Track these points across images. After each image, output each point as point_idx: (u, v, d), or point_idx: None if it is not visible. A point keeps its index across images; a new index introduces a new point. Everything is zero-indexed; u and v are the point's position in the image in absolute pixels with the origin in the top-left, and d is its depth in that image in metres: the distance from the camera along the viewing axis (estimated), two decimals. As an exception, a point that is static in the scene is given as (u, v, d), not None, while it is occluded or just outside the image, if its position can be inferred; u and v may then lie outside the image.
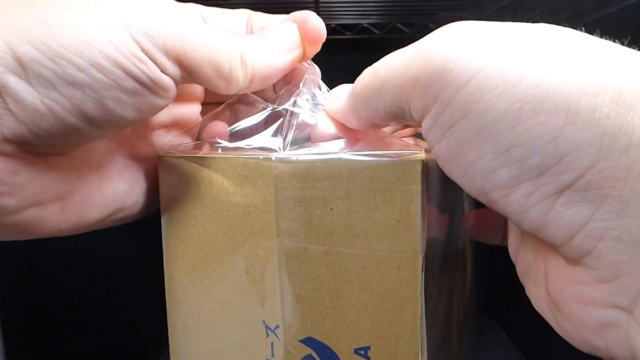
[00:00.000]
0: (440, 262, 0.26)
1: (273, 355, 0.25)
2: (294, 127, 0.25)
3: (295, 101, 0.26)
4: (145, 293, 0.55)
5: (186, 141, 0.29)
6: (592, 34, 0.17)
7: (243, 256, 0.25)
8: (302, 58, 0.27)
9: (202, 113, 0.32)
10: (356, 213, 0.22)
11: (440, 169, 0.19)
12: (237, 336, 0.26)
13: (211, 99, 0.32)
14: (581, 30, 0.17)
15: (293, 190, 0.23)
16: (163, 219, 0.28)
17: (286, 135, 0.25)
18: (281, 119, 0.26)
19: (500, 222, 0.27)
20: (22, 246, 0.39)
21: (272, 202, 0.24)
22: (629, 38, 0.19)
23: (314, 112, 0.26)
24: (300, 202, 0.23)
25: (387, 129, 0.27)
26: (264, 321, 0.25)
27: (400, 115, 0.20)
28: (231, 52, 0.23)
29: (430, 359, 0.23)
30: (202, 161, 0.26)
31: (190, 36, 0.21)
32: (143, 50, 0.20)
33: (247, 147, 0.26)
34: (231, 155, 0.25)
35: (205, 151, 0.27)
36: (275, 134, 0.26)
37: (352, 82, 0.23)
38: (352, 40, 0.56)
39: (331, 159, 0.22)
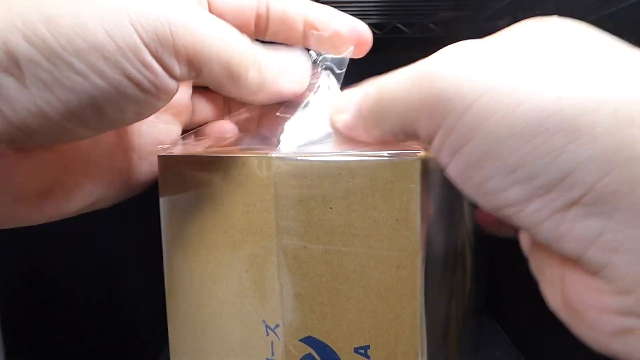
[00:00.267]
0: (440, 261, 0.26)
1: (273, 355, 0.26)
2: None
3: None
4: (145, 293, 0.55)
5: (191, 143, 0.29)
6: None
7: (243, 255, 0.25)
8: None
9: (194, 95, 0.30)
10: (355, 212, 0.22)
11: (440, 168, 0.19)
12: (237, 335, 0.26)
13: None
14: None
15: (292, 190, 0.23)
16: (162, 218, 0.28)
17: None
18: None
19: None
20: (22, 246, 0.39)
21: (272, 201, 0.24)
22: (629, 38, 0.19)
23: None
24: (300, 201, 0.23)
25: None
26: (263, 320, 0.25)
27: (409, 136, 0.20)
28: (243, 50, 0.22)
29: (430, 358, 0.23)
30: (202, 160, 0.26)
31: (201, 31, 0.20)
32: (151, 53, 0.19)
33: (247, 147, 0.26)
34: (231, 154, 0.25)
35: (205, 150, 0.27)
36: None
37: (353, 82, 0.23)
38: (352, 40, 0.56)
39: (330, 158, 0.22)
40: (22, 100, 0.17)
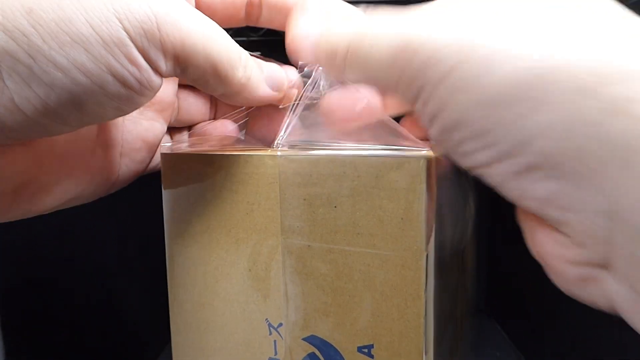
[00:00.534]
0: (444, 261, 0.26)
1: (276, 354, 0.25)
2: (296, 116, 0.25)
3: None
4: (146, 293, 0.55)
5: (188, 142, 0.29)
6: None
7: (246, 254, 0.25)
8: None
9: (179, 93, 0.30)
10: (360, 211, 0.22)
11: (446, 167, 0.19)
12: (240, 334, 0.26)
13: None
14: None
15: (297, 188, 0.23)
16: (165, 217, 0.28)
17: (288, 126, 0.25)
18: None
19: None
20: (22, 246, 0.39)
21: (276, 199, 0.24)
22: None
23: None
24: (304, 199, 0.23)
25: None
26: (267, 319, 0.25)
27: (386, 92, 0.21)
28: (231, 50, 0.22)
29: (433, 358, 0.23)
30: (205, 158, 0.25)
31: (189, 27, 0.19)
32: (137, 48, 0.18)
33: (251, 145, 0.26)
34: (235, 152, 0.25)
35: (209, 148, 0.27)
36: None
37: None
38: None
39: (336, 156, 0.22)
40: (1, 100, 0.16)
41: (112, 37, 0.17)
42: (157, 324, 0.54)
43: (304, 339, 0.24)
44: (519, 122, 0.16)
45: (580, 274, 0.18)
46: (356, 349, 0.23)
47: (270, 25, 0.28)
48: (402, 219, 0.21)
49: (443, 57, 0.17)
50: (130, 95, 0.19)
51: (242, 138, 0.29)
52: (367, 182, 0.22)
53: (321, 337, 0.24)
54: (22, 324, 0.40)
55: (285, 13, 0.26)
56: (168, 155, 0.27)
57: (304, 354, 0.25)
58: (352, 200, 0.22)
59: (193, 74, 0.21)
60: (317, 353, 0.24)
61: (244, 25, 0.28)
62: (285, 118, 0.25)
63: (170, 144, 0.28)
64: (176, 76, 0.21)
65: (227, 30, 0.22)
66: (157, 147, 0.28)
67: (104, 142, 0.25)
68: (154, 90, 0.20)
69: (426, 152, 0.21)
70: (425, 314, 0.21)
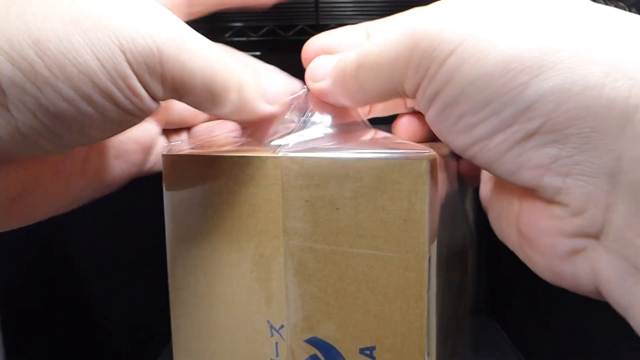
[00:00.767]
0: (446, 262, 0.26)
1: (277, 355, 0.25)
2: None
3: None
4: (146, 293, 0.54)
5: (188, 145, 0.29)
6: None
7: (248, 255, 0.25)
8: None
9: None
10: (363, 212, 0.22)
11: (447, 169, 0.19)
12: (242, 336, 0.26)
13: None
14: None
15: (299, 189, 0.23)
16: (167, 218, 0.28)
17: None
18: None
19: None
20: (22, 246, 0.39)
21: (278, 201, 0.24)
22: None
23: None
24: (306, 201, 0.23)
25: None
26: (268, 321, 0.25)
27: (394, 94, 0.22)
28: (229, 75, 0.22)
29: (436, 359, 0.23)
30: (206, 159, 0.25)
31: (189, 60, 0.20)
32: (139, 80, 0.18)
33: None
34: (237, 153, 0.25)
35: (210, 149, 0.27)
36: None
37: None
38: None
39: (338, 158, 0.22)
40: (3, 125, 0.16)
41: (117, 70, 0.17)
42: (157, 324, 0.54)
43: (305, 341, 0.24)
44: (520, 90, 0.17)
45: (570, 246, 0.18)
46: (358, 351, 0.23)
47: None
48: (404, 220, 0.21)
49: (447, 37, 0.18)
50: (128, 119, 0.20)
51: (244, 139, 0.29)
52: (369, 183, 0.22)
53: (323, 338, 0.24)
54: (22, 324, 0.40)
55: None
56: (169, 157, 0.27)
57: (306, 356, 0.25)
58: (355, 202, 0.22)
59: (189, 99, 0.22)
60: (319, 355, 0.24)
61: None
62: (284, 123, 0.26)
63: (174, 144, 0.28)
64: (172, 98, 0.21)
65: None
66: (152, 148, 0.29)
67: (99, 147, 0.25)
68: (150, 113, 0.21)
69: (428, 153, 0.21)
70: (428, 316, 0.21)
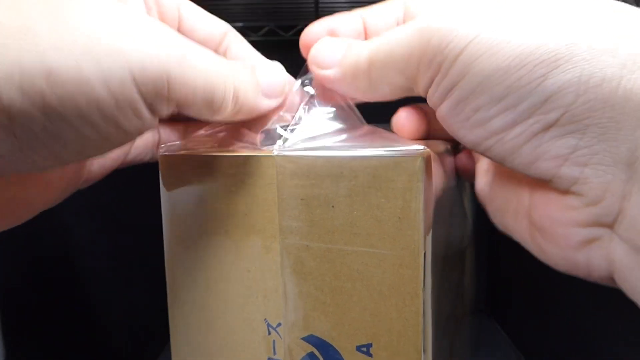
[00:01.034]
0: (443, 260, 0.26)
1: (275, 353, 0.26)
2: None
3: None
4: (146, 293, 0.55)
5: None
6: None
7: (245, 254, 0.25)
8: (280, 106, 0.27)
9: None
10: (358, 210, 0.22)
11: (444, 167, 0.19)
12: (240, 334, 0.26)
13: None
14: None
15: (295, 188, 0.23)
16: (164, 218, 0.28)
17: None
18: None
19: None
20: (22, 246, 0.39)
21: (274, 200, 0.24)
22: None
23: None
24: (302, 199, 0.23)
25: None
26: (266, 319, 0.25)
27: (405, 91, 0.23)
28: (226, 85, 0.22)
29: (432, 356, 0.23)
30: (203, 159, 0.26)
31: (194, 81, 0.20)
32: (146, 104, 0.19)
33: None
34: (233, 153, 0.25)
35: (206, 149, 0.27)
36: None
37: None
38: (352, 40, 0.55)
39: (333, 156, 0.22)
40: (7, 147, 0.17)
41: (126, 98, 0.18)
42: (157, 324, 0.54)
43: (303, 339, 0.24)
44: (538, 82, 0.17)
45: (585, 236, 0.19)
46: (355, 348, 0.23)
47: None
48: (399, 218, 0.21)
49: (460, 33, 0.18)
50: (127, 138, 0.20)
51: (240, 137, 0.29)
52: (364, 181, 0.22)
53: (320, 336, 0.24)
54: (22, 324, 0.40)
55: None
56: (166, 157, 0.27)
57: (303, 354, 0.25)
58: (350, 200, 0.22)
59: (189, 111, 0.22)
60: (316, 352, 0.24)
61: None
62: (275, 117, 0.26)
63: (170, 144, 0.28)
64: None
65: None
66: (132, 143, 0.29)
67: None
68: (149, 129, 0.21)
69: (422, 150, 0.21)
70: (424, 313, 0.21)
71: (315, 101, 0.27)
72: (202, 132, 0.29)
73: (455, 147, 0.29)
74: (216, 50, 0.28)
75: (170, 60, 0.19)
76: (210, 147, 0.27)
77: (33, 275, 0.41)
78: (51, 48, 0.16)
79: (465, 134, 0.20)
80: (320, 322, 0.24)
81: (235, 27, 0.29)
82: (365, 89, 0.24)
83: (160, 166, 0.27)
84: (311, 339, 0.24)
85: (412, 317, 0.22)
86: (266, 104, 0.25)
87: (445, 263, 0.28)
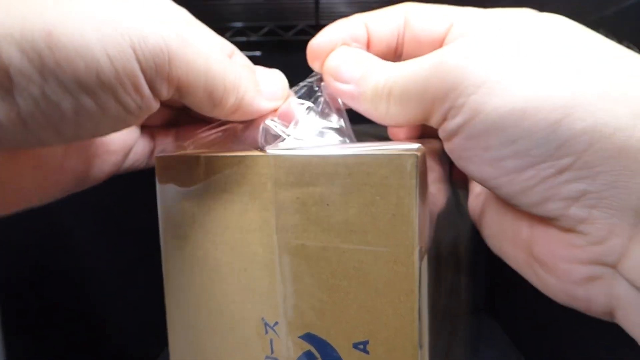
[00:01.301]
0: (438, 258, 0.26)
1: (272, 352, 0.26)
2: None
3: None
4: (145, 293, 0.55)
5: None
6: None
7: (241, 254, 0.25)
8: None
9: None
10: (353, 208, 0.22)
11: (441, 164, 0.19)
12: (237, 334, 0.26)
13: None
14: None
15: (290, 187, 0.23)
16: (160, 219, 0.28)
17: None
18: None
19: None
20: (22, 246, 0.39)
21: (269, 199, 0.24)
22: (629, 38, 0.20)
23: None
24: (297, 198, 0.23)
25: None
26: (263, 318, 0.25)
27: (420, 121, 0.22)
28: (227, 75, 0.22)
29: (429, 352, 0.23)
30: (198, 160, 0.26)
31: (196, 61, 0.20)
32: (146, 79, 0.19)
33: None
34: (227, 153, 0.25)
35: (202, 150, 0.27)
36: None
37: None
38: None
39: (327, 155, 0.22)
40: (5, 110, 0.17)
41: (125, 68, 0.18)
42: (157, 325, 0.54)
43: (300, 337, 0.25)
44: (552, 128, 0.17)
45: (587, 273, 0.19)
46: (352, 345, 0.23)
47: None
48: (393, 215, 0.21)
49: (477, 70, 0.18)
50: (127, 117, 0.20)
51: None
52: (358, 179, 0.22)
53: (317, 334, 0.24)
54: (22, 324, 0.40)
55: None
56: (162, 158, 0.27)
57: (301, 352, 0.25)
58: (345, 198, 0.22)
59: (190, 100, 0.22)
60: (314, 350, 0.24)
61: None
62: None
63: (167, 146, 0.28)
64: (172, 99, 0.22)
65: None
66: (131, 149, 0.29)
67: (78, 145, 0.26)
68: (150, 112, 0.21)
69: (416, 148, 0.21)
70: (420, 309, 0.22)
71: (314, 108, 0.27)
72: (197, 133, 0.29)
73: None
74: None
75: (172, 37, 0.19)
76: (205, 148, 0.27)
77: (33, 276, 0.41)
78: (54, 10, 0.16)
79: (474, 170, 0.20)
80: (317, 320, 0.24)
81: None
82: (382, 114, 0.23)
83: (156, 167, 0.27)
84: (308, 337, 0.24)
85: (408, 314, 0.22)
86: (265, 105, 0.25)
87: (441, 261, 0.28)
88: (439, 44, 0.24)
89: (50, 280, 0.43)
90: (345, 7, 0.58)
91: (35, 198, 0.24)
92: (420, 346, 0.22)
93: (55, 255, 0.44)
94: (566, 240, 0.19)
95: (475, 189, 0.27)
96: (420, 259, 0.21)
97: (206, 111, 0.23)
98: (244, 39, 0.60)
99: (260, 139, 0.26)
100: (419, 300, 0.22)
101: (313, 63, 0.26)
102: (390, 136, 0.30)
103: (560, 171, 0.18)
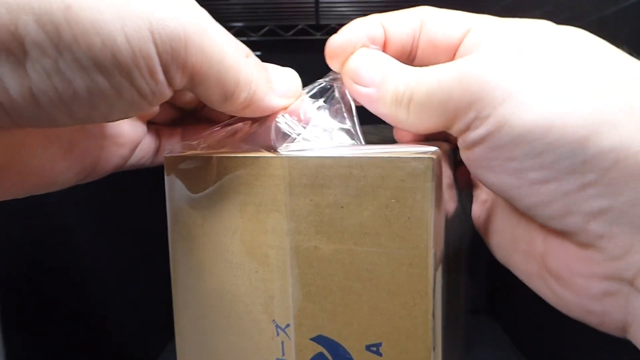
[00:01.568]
0: (448, 259, 0.26)
1: (283, 354, 0.25)
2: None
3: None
4: (145, 293, 0.54)
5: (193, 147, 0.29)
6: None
7: (252, 255, 0.25)
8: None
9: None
10: (367, 211, 0.22)
11: (448, 165, 0.19)
12: (247, 336, 0.26)
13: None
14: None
15: (303, 189, 0.23)
16: (169, 220, 0.28)
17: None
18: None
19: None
20: (22, 243, 0.39)
21: (282, 200, 0.24)
22: (629, 38, 0.20)
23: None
24: (311, 200, 0.23)
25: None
26: (274, 320, 0.25)
27: (440, 130, 0.22)
28: (240, 69, 0.22)
29: (442, 355, 0.23)
30: (209, 160, 0.25)
31: (212, 51, 0.20)
32: (161, 63, 0.19)
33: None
34: (241, 154, 0.25)
35: (213, 150, 0.27)
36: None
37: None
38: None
39: (342, 157, 0.22)
40: (17, 83, 0.16)
41: (142, 50, 0.17)
42: (158, 324, 0.54)
43: (311, 339, 0.24)
44: (579, 143, 0.17)
45: (604, 288, 0.19)
46: (364, 348, 0.23)
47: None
48: (409, 217, 0.21)
49: (502, 82, 0.18)
50: (140, 102, 0.20)
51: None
52: (373, 182, 0.22)
53: (329, 336, 0.24)
54: (22, 324, 0.40)
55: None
56: (171, 158, 0.27)
57: (312, 354, 0.25)
58: (359, 200, 0.22)
59: (202, 91, 0.22)
60: (325, 353, 0.24)
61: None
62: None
63: (175, 145, 0.28)
64: (184, 90, 0.22)
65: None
66: (137, 146, 0.29)
67: (86, 134, 0.25)
68: (163, 100, 0.21)
69: (433, 151, 0.21)
70: (434, 311, 0.22)
71: (326, 107, 0.27)
72: (206, 132, 0.29)
73: (455, 149, 0.29)
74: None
75: (190, 26, 0.19)
76: (215, 148, 0.27)
77: (33, 273, 0.41)
78: None
79: (494, 179, 0.20)
80: (330, 322, 0.24)
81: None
82: (401, 120, 0.23)
83: (165, 166, 0.27)
84: (320, 339, 0.24)
85: (422, 316, 0.22)
86: (276, 102, 0.25)
87: (450, 262, 0.28)
88: (454, 49, 0.24)
89: (50, 278, 0.42)
90: (345, 7, 0.58)
91: (41, 184, 0.24)
92: (434, 348, 0.22)
93: (55, 252, 0.44)
94: (583, 255, 0.19)
95: (481, 196, 0.27)
96: (435, 262, 0.21)
97: (217, 105, 0.23)
98: (244, 39, 0.60)
99: (272, 137, 0.25)
100: (433, 302, 0.22)
101: (331, 62, 0.26)
102: (396, 138, 0.30)
103: (584, 186, 0.18)
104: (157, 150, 0.31)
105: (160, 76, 0.19)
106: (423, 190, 0.21)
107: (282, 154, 0.24)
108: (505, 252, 0.24)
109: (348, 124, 0.26)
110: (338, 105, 0.26)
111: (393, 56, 0.25)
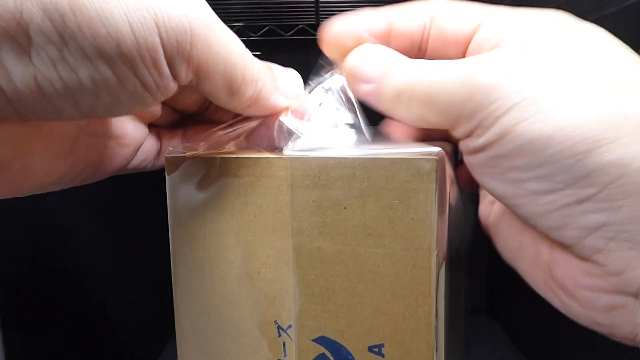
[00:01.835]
0: (450, 260, 0.26)
1: (285, 355, 0.25)
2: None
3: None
4: (145, 293, 0.54)
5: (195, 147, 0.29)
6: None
7: (255, 256, 0.25)
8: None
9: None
10: (370, 212, 0.22)
11: (450, 165, 0.19)
12: (249, 337, 0.26)
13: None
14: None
15: (306, 190, 0.23)
16: (170, 220, 0.28)
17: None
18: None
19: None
20: (22, 243, 0.39)
21: (285, 201, 0.24)
22: (628, 38, 0.20)
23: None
24: (313, 201, 0.23)
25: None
26: (275, 321, 0.25)
27: (441, 128, 0.22)
28: (246, 65, 0.22)
29: (445, 355, 0.23)
30: (211, 161, 0.25)
31: (218, 45, 0.20)
32: (166, 56, 0.18)
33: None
34: (241, 154, 0.25)
35: (214, 151, 0.27)
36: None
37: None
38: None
39: (345, 157, 0.22)
40: (22, 72, 0.16)
41: (147, 41, 0.17)
42: (158, 323, 0.54)
43: (313, 340, 0.24)
44: (578, 158, 0.17)
45: (609, 302, 0.19)
46: (367, 349, 0.23)
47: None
48: (412, 218, 0.21)
49: (507, 91, 0.18)
50: (145, 96, 0.19)
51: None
52: (376, 183, 0.22)
53: (331, 337, 0.24)
54: (22, 324, 0.40)
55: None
56: (173, 158, 0.27)
57: (314, 355, 0.25)
58: (362, 202, 0.22)
59: (208, 87, 0.22)
60: (327, 354, 0.24)
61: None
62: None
63: (176, 145, 0.28)
64: (191, 85, 0.22)
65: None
66: (140, 147, 0.29)
67: (91, 131, 0.25)
68: (168, 95, 0.21)
69: (437, 151, 0.21)
70: (436, 312, 0.22)
71: (328, 105, 0.27)
72: (207, 133, 0.29)
73: (456, 150, 0.29)
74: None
75: (196, 19, 0.19)
76: (216, 149, 0.27)
77: (33, 273, 0.41)
78: None
79: (494, 186, 0.20)
80: (332, 323, 0.24)
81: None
82: (403, 115, 0.23)
83: (166, 167, 0.27)
84: (322, 340, 0.24)
85: (425, 317, 0.22)
86: (281, 101, 0.25)
87: (452, 263, 0.28)
88: (465, 43, 0.23)
89: (50, 278, 0.42)
90: (345, 6, 0.58)
91: (43, 183, 0.24)
92: (436, 349, 0.22)
93: (55, 252, 0.43)
94: (584, 268, 0.19)
95: (488, 196, 0.27)
96: (438, 263, 0.21)
97: (223, 101, 0.23)
98: (244, 38, 0.60)
99: (276, 136, 0.25)
100: (436, 303, 0.22)
101: (328, 52, 0.26)
102: (391, 133, 0.30)
103: (581, 200, 0.17)
104: (159, 153, 0.30)
105: (165, 69, 0.19)
106: (426, 191, 0.21)
107: (284, 155, 0.24)
108: (512, 257, 0.24)
109: (352, 119, 0.26)
110: (340, 101, 0.26)
111: (400, 50, 0.24)
